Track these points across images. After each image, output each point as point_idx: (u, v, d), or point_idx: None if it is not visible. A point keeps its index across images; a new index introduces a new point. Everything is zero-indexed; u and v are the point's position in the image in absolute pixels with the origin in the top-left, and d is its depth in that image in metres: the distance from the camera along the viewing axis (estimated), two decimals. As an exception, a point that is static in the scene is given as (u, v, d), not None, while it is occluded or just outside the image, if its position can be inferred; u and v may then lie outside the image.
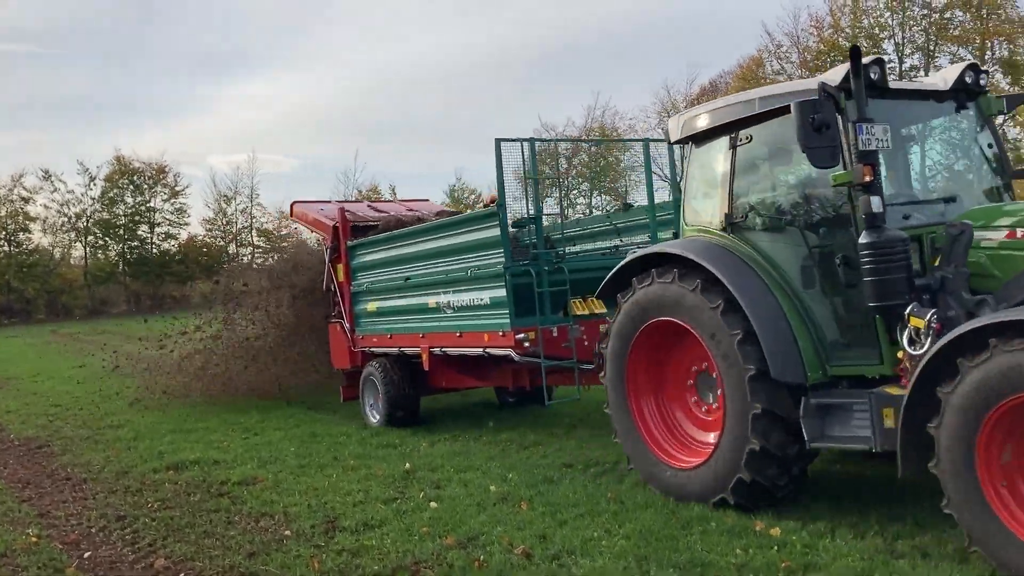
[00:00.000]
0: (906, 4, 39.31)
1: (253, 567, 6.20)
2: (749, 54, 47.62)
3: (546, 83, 74.10)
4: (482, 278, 9.77)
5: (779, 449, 6.26)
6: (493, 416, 12.20)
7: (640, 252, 7.46)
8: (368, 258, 12.25)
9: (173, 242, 66.58)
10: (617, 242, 11.15)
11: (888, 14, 40.16)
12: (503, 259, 9.44)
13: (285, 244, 25.58)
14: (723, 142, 7.00)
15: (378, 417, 11.89)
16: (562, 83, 73.43)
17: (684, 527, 6.27)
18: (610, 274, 7.59)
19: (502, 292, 9.48)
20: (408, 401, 11.72)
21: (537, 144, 10.18)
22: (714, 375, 6.74)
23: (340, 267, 12.74)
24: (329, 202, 14.95)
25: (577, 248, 11.50)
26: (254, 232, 65.51)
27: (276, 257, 20.49)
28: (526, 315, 9.42)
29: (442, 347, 10.71)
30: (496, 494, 7.69)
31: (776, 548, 5.65)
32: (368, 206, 15.11)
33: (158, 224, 66.19)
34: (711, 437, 6.89)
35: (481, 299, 9.83)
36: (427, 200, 17.30)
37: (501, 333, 9.49)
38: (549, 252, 9.85)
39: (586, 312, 9.64)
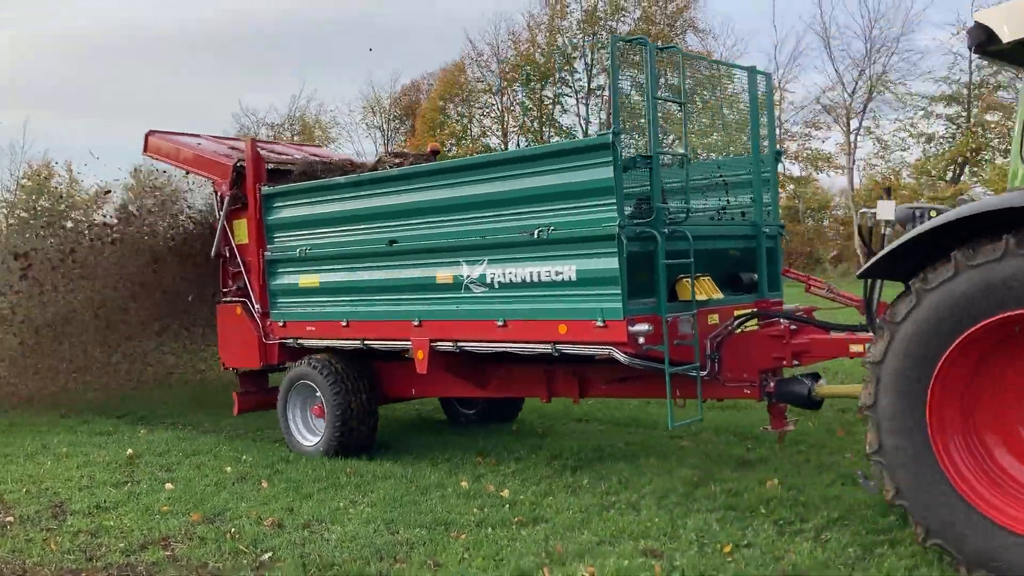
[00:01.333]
0: (596, 27, 42.85)
1: (-22, 554, 5.91)
2: (453, 59, 49.52)
3: (253, 65, 71.65)
4: (566, 241, 6.47)
5: None
6: (217, 403, 11.99)
7: (964, 210, 4.52)
8: (303, 212, 8.47)
9: None
10: (725, 201, 7.51)
11: (580, 35, 43.49)
12: (615, 214, 6.16)
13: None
14: None
15: (315, 440, 8.42)
16: (270, 67, 71.37)
17: (423, 493, 6.84)
18: (893, 245, 4.83)
19: (609, 263, 6.22)
20: (367, 416, 8.35)
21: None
22: None
23: (243, 224, 8.97)
24: (198, 135, 10.74)
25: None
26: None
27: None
28: (637, 297, 6.37)
29: (461, 340, 7.23)
30: (233, 474, 7.81)
31: (508, 507, 6.37)
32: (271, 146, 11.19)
33: None
34: None
35: (559, 272, 6.53)
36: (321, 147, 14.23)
37: (600, 323, 6.30)
38: (665, 208, 6.53)
39: (703, 297, 6.66)
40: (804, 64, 60.65)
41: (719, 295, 6.76)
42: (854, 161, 38.92)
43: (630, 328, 6.17)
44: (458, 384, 8.05)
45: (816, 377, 6.40)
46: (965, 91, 36.92)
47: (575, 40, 43.69)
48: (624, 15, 42.99)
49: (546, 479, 7.16)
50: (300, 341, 8.60)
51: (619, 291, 6.20)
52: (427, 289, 7.41)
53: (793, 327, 6.45)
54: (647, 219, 6.34)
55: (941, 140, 38.56)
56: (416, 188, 7.48)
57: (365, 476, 7.46)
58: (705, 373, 6.41)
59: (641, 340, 6.19)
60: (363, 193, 7.92)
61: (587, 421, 9.68)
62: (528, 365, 7.64)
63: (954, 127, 38.03)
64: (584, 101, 43.85)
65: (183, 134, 10.57)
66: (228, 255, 9.13)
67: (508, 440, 8.76)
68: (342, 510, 6.51)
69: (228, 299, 9.22)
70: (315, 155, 10.56)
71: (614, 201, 6.16)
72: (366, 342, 8.00)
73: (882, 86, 37.32)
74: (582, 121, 43.46)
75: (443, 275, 7.27)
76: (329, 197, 8.23)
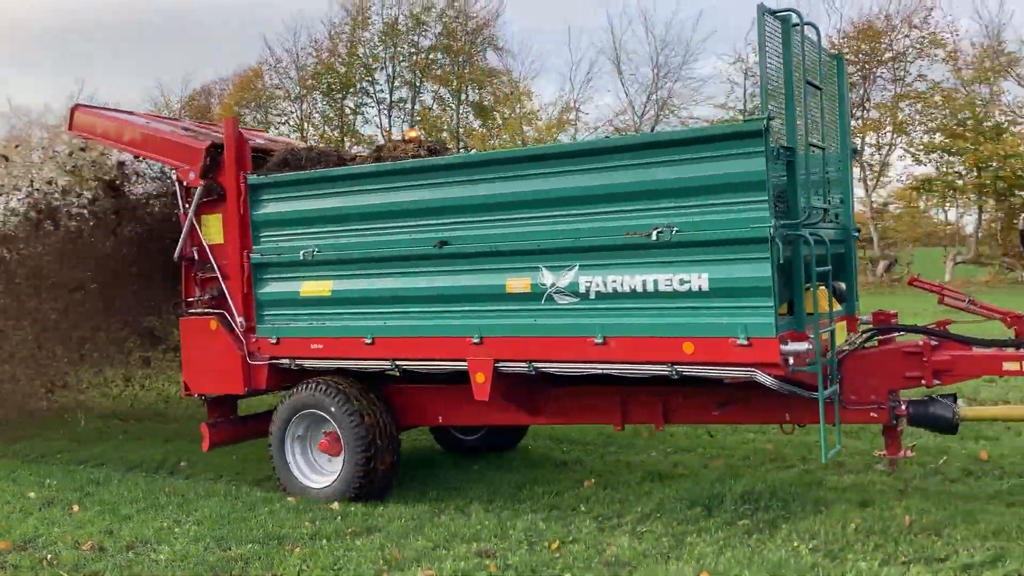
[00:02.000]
0: (397, 40, 43.05)
1: None
2: (248, 64, 48.17)
3: (24, 63, 66.37)
4: (696, 245, 5.47)
5: None
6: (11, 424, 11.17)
7: None
8: (308, 205, 6.97)
9: None
10: (827, 201, 6.45)
11: (381, 47, 43.53)
12: (766, 213, 5.24)
13: None
14: None
15: (326, 482, 6.96)
16: (43, 65, 66.30)
17: (251, 509, 6.78)
18: None
19: (758, 271, 5.30)
20: (393, 451, 6.97)
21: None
22: None
23: (216, 220, 7.47)
24: (132, 113, 9.16)
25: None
26: None
27: None
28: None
29: (540, 361, 6.07)
30: (39, 499, 7.40)
31: (339, 518, 6.45)
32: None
33: None
34: None
35: (684, 281, 5.50)
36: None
37: (742, 341, 5.34)
38: (811, 207, 5.73)
39: (822, 309, 5.79)
40: (598, 86, 63.36)
41: (837, 307, 6.13)
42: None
43: (783, 347, 5.27)
44: (508, 411, 6.74)
45: (954, 398, 5.85)
46: (741, 117, 40.03)
47: (377, 51, 43.67)
48: (425, 29, 43.45)
49: (374, 489, 7.27)
50: (300, 362, 7.07)
51: (770, 304, 5.26)
52: (491, 299, 6.18)
53: (934, 342, 5.81)
54: (793, 219, 5.52)
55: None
56: (480, 180, 6.21)
57: (187, 495, 7.29)
58: (827, 394, 5.57)
59: (791, 360, 5.31)
60: (401, 184, 6.52)
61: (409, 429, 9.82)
62: (597, 387, 6.49)
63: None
64: (387, 112, 43.93)
65: (114, 110, 9.23)
66: (196, 258, 7.52)
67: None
68: (167, 530, 6.36)
69: (197, 311, 7.49)
70: (284, 142, 9.24)
71: (765, 198, 5.23)
72: (399, 363, 6.61)
73: (668, 110, 39.79)
74: (384, 132, 43.47)
75: (516, 283, 6.07)
76: (349, 189, 6.77)
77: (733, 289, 5.38)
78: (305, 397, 6.99)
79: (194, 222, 7.45)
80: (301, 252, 6.95)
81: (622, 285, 5.71)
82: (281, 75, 44.83)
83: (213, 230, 7.47)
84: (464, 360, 6.30)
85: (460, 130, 42.72)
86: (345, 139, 43.23)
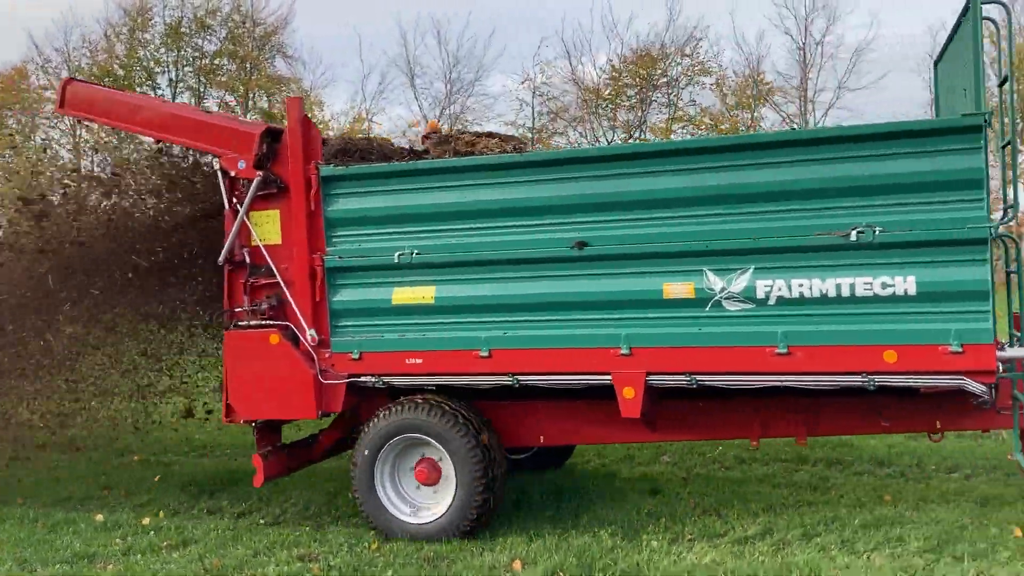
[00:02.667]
0: (181, 44, 41.44)
1: None
2: (12, 61, 44.76)
3: None
4: (901, 245, 5.06)
5: None
6: None
7: None
8: (404, 201, 6.04)
9: None
10: None
11: (164, 50, 41.75)
12: (983, 212, 4.93)
13: None
14: None
15: (430, 517, 6.08)
16: None
17: (53, 530, 6.56)
18: None
19: (975, 273, 4.96)
20: (504, 477, 6.24)
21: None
22: None
23: (272, 217, 6.35)
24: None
25: None
26: None
27: None
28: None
29: (703, 373, 5.46)
30: None
31: (152, 533, 6.37)
32: None
33: None
34: None
35: (887, 285, 5.08)
36: None
37: (955, 348, 4.96)
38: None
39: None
40: (391, 99, 63.47)
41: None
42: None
43: (1001, 353, 5.02)
44: (631, 429, 6.04)
45: None
46: (530, 134, 41.57)
47: (159, 55, 41.82)
48: (210, 33, 42.07)
49: (184, 504, 7.22)
50: (390, 379, 6.13)
51: (988, 308, 4.95)
52: (643, 306, 5.55)
53: None
54: (1004, 219, 5.23)
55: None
56: (632, 174, 5.56)
57: (-24, 521, 6.92)
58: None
59: (1002, 368, 5.08)
60: (530, 179, 5.78)
61: (211, 447, 9.70)
62: (727, 400, 5.95)
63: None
64: (169, 118, 42.08)
65: (107, 88, 8.12)
66: (248, 261, 6.38)
67: (135, 471, 8.56)
68: (-41, 557, 6.04)
69: (249, 323, 6.34)
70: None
71: (983, 197, 4.91)
72: (519, 378, 5.80)
73: (462, 125, 40.66)
74: (167, 139, 41.62)
75: (676, 288, 5.47)
76: (462, 183, 5.93)
77: (945, 293, 5.01)
78: (405, 419, 6.05)
79: (246, 221, 6.32)
80: (395, 254, 6.00)
81: (811, 289, 5.21)
82: (51, 76, 41.95)
83: (268, 229, 6.36)
84: (607, 373, 5.59)
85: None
86: (122, 145, 41.03)
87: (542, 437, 6.42)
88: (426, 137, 7.18)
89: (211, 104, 42.97)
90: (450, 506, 5.96)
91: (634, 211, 5.53)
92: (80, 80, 7.77)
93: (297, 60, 44.45)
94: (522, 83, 39.01)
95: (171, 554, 5.90)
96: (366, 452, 6.11)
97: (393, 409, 6.11)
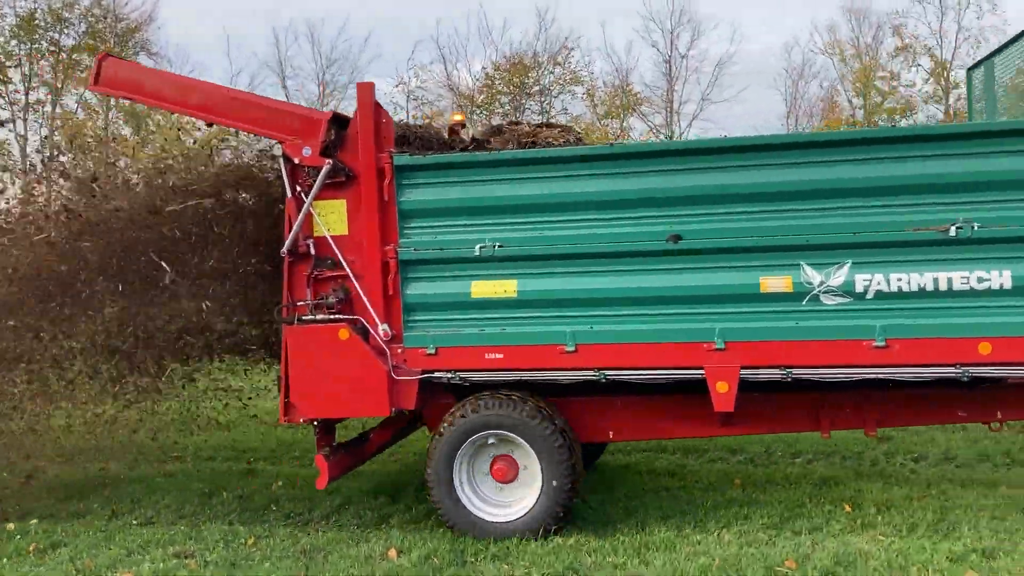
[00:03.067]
0: (35, 36, 39.54)
1: None
2: None
3: None
4: (998, 241, 5.25)
5: None
6: None
7: None
8: (487, 192, 5.90)
9: None
10: None
11: (15, 42, 39.75)
12: None
13: None
14: None
15: (511, 514, 5.96)
16: None
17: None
18: None
19: None
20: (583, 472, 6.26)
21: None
22: None
23: (338, 207, 6.09)
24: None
25: None
26: None
27: None
28: None
29: (799, 367, 5.55)
30: None
31: (19, 537, 6.28)
32: None
33: None
34: None
35: (983, 279, 5.27)
36: None
37: None
38: None
39: None
40: (259, 99, 61.62)
41: None
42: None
43: None
44: (705, 424, 6.10)
45: None
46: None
47: (10, 47, 39.77)
48: (68, 26, 40.33)
49: (51, 508, 7.10)
50: (467, 375, 5.98)
51: None
52: (739, 300, 5.59)
53: None
54: None
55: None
56: (731, 167, 5.57)
57: None
58: None
59: None
60: (622, 171, 5.71)
61: (77, 453, 9.46)
62: (788, 394, 6.02)
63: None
64: (22, 116, 40.12)
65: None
66: (312, 252, 6.10)
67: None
68: None
69: (315, 317, 6.08)
70: None
71: None
72: (606, 372, 5.77)
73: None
74: (19, 138, 39.67)
75: (773, 282, 5.53)
76: (549, 174, 5.82)
77: None
78: (489, 416, 5.92)
79: (311, 210, 6.04)
80: (477, 247, 5.85)
81: (909, 284, 5.35)
82: None
83: (333, 219, 6.09)
84: (699, 368, 5.60)
85: (111, 136, 40.07)
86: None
87: (611, 433, 6.34)
88: (452, 131, 6.87)
89: (69, 101, 41.26)
90: (536, 502, 5.87)
91: (729, 205, 5.55)
92: (117, 57, 7.08)
93: (163, 58, 42.79)
94: (396, 86, 39.02)
95: (41, 557, 5.84)
96: (445, 450, 5.95)
97: (475, 405, 5.96)
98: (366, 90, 5.98)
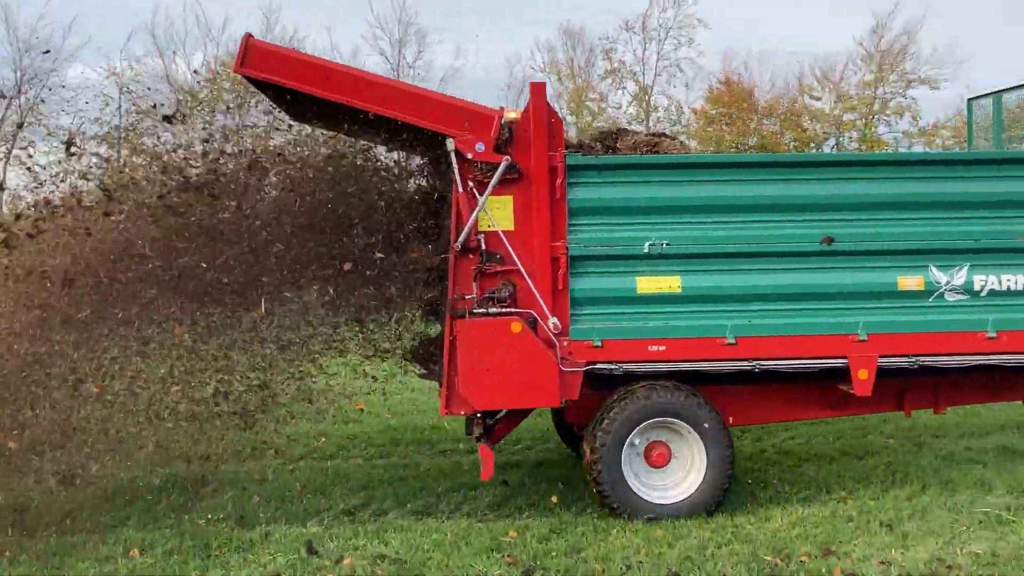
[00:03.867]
0: None
1: None
2: None
3: None
4: None
5: None
6: None
7: None
8: (656, 192, 6.31)
9: None
10: None
11: None
12: None
13: None
14: None
15: (678, 495, 6.39)
16: None
17: None
18: None
19: None
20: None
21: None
22: None
23: (505, 203, 6.20)
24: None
25: None
26: None
27: None
28: None
29: (925, 355, 6.41)
30: None
31: None
32: None
33: None
34: None
35: None
36: None
37: None
38: None
39: None
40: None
41: None
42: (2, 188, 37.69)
43: None
44: (815, 407, 6.96)
45: None
46: (115, 133, 39.02)
47: None
48: None
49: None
50: (630, 366, 6.29)
51: None
52: (879, 297, 6.41)
53: None
54: None
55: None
56: (880, 178, 6.43)
57: None
58: None
59: None
60: (783, 177, 6.42)
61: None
62: (880, 380, 6.54)
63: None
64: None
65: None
66: (483, 247, 6.20)
67: None
68: None
69: (486, 311, 6.18)
70: None
71: None
72: (759, 363, 6.33)
73: (34, 118, 37.08)
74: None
75: (908, 281, 6.40)
76: (717, 178, 6.37)
77: None
78: (659, 404, 6.28)
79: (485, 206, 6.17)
80: (645, 244, 6.27)
81: (1016, 283, 6.43)
82: None
83: (500, 215, 6.23)
84: (843, 357, 6.36)
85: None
86: None
87: (731, 418, 6.74)
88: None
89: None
90: (700, 485, 6.33)
91: (875, 211, 6.38)
92: (259, 40, 6.53)
93: None
94: (107, 77, 36.61)
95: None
96: (614, 437, 6.24)
97: (644, 394, 6.30)
98: (539, 90, 6.32)
